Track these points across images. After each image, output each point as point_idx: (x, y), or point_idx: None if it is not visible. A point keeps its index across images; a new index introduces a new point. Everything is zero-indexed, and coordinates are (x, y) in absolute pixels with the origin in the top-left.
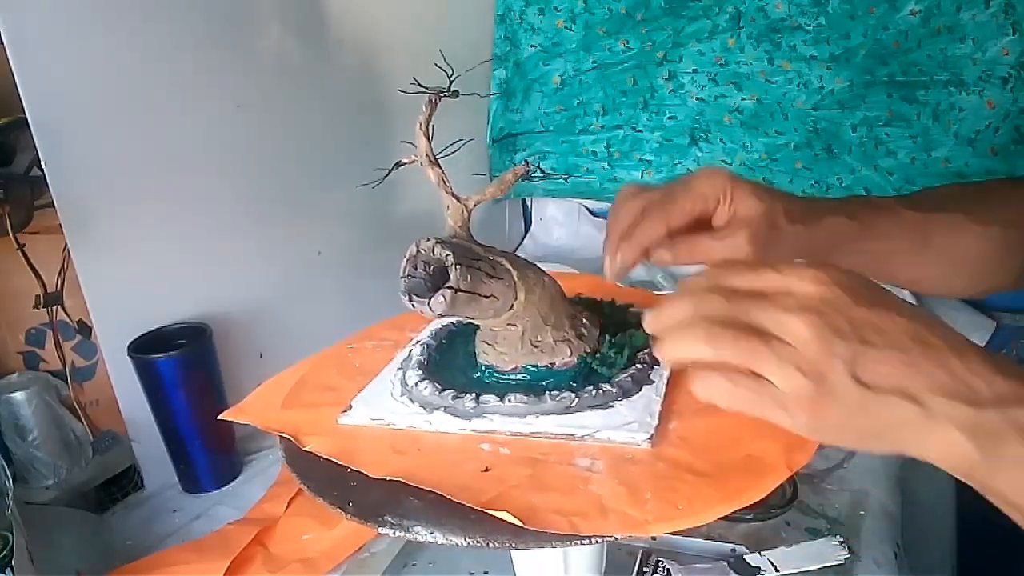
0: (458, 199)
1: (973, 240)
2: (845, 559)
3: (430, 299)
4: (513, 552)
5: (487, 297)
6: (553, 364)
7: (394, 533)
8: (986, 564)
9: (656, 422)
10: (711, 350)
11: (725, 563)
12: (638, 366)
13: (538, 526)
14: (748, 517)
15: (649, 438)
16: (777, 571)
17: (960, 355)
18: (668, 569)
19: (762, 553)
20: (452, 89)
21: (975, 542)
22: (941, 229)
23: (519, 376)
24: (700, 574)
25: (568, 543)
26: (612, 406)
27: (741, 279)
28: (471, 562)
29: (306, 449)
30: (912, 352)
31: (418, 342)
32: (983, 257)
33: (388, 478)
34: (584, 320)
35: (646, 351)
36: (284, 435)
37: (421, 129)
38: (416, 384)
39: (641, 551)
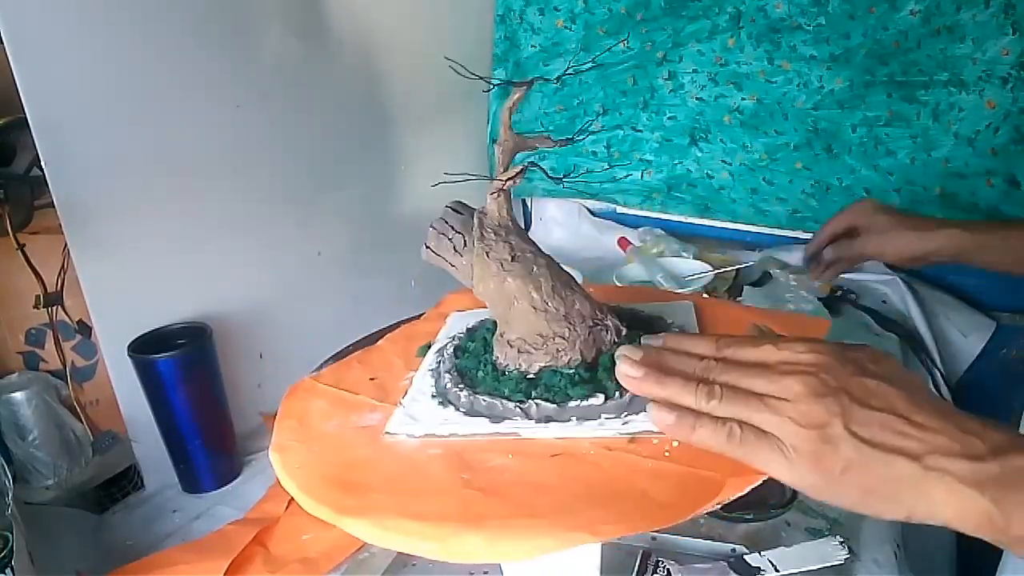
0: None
1: None
2: (845, 559)
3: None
4: None
5: (451, 266)
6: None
7: None
8: (986, 564)
9: None
10: (715, 404)
11: (725, 563)
12: None
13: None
14: (748, 517)
15: None
16: (777, 571)
17: (950, 418)
18: (668, 569)
19: (762, 553)
20: (530, 79)
21: (975, 542)
22: None
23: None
24: (700, 574)
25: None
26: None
27: (743, 352)
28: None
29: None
30: (904, 414)
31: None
32: None
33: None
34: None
35: None
36: None
37: (505, 115)
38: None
39: (641, 551)
